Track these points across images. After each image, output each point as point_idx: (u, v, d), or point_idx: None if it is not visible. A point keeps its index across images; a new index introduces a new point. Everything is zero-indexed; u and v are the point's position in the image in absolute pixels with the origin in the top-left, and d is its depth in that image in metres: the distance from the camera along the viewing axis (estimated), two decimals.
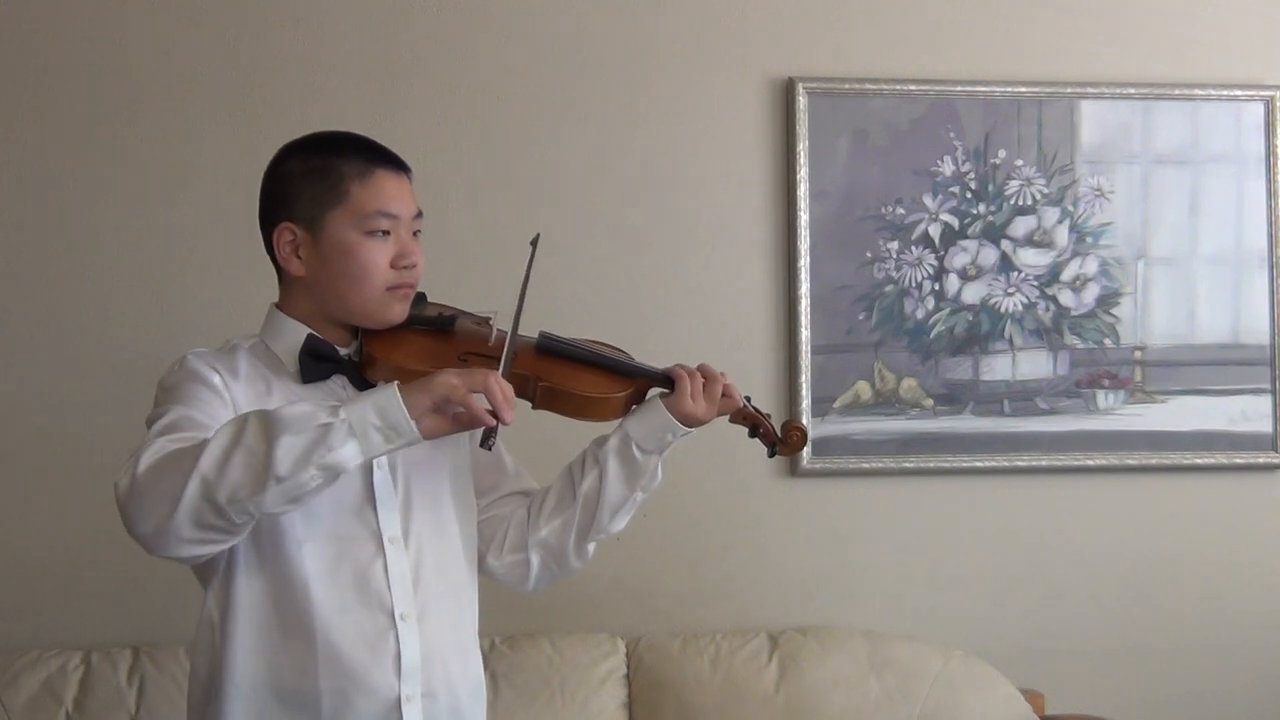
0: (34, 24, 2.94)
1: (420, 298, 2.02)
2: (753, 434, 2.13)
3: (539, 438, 2.23)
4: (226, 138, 2.94)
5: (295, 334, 1.95)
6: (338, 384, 1.95)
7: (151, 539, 1.70)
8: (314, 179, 1.92)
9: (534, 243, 1.99)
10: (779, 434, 2.13)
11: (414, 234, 1.97)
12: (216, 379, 1.88)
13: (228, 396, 1.88)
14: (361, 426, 1.69)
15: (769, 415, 2.13)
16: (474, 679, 2.01)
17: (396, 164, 1.97)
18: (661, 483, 2.07)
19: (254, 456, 1.66)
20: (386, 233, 1.93)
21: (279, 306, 1.99)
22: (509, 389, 1.76)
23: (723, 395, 2.05)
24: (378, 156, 1.96)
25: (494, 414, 1.73)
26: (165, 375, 1.91)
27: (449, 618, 1.97)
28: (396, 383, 1.73)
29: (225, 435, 1.70)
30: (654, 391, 2.06)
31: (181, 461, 1.69)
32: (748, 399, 2.11)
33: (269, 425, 1.68)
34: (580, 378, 2.01)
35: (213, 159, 2.94)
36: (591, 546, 2.09)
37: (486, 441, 1.77)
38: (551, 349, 2.02)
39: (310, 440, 1.67)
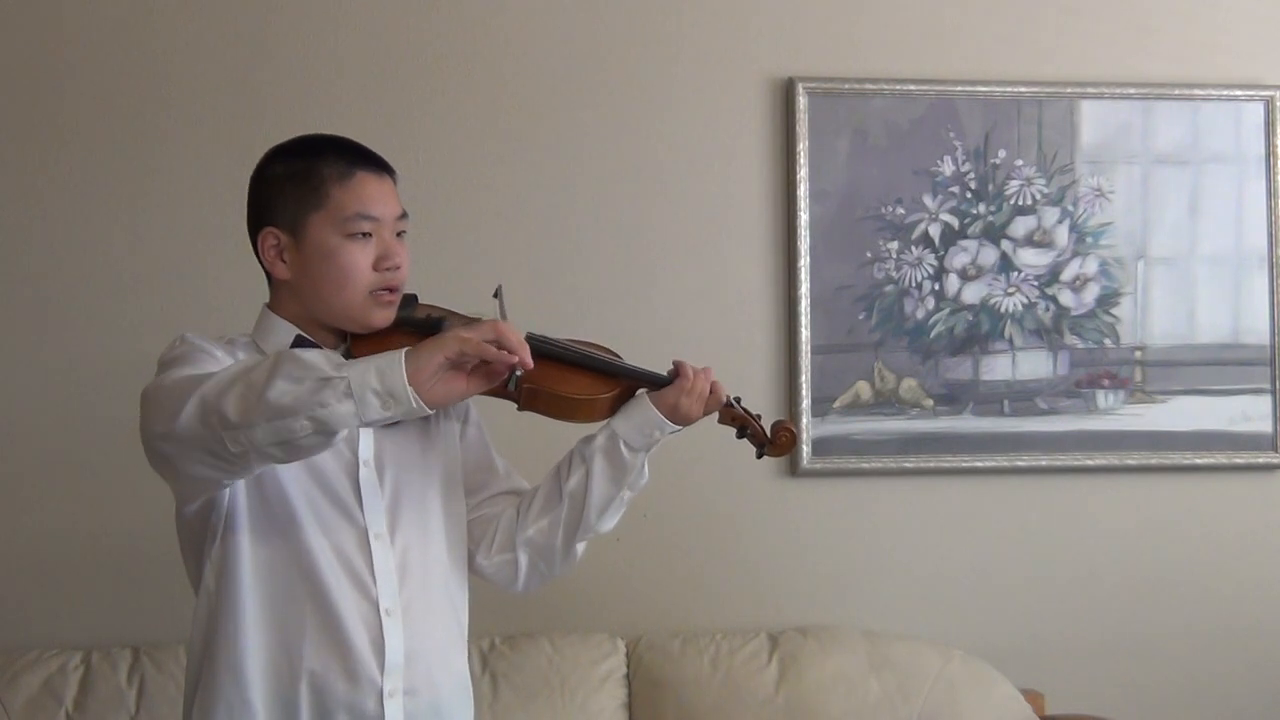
0: (41, 32, 2.95)
1: (411, 299, 2.01)
2: (741, 434, 2.12)
3: (530, 438, 2.23)
4: (228, 141, 2.94)
5: (285, 334, 1.95)
6: None
7: (158, 440, 1.73)
8: (296, 182, 1.93)
9: (497, 295, 2.01)
10: (768, 435, 2.11)
11: (398, 235, 1.96)
12: (219, 352, 1.90)
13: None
14: (360, 389, 1.67)
15: (759, 416, 2.12)
16: (458, 677, 2.01)
17: (378, 165, 1.97)
18: (650, 481, 2.07)
19: (251, 389, 1.67)
20: (368, 235, 1.92)
21: (270, 307, 2.00)
22: (518, 333, 1.78)
23: (708, 392, 2.04)
24: (358, 158, 1.95)
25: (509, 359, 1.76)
26: (165, 352, 1.91)
27: (434, 615, 1.97)
28: (407, 348, 1.72)
29: (237, 365, 1.74)
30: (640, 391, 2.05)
31: (195, 380, 1.72)
32: (737, 399, 2.10)
33: (277, 364, 1.69)
34: (566, 379, 2.00)
35: (215, 162, 2.94)
36: (581, 547, 2.08)
37: (509, 386, 1.81)
38: (538, 350, 2.00)
39: (307, 390, 1.66)
